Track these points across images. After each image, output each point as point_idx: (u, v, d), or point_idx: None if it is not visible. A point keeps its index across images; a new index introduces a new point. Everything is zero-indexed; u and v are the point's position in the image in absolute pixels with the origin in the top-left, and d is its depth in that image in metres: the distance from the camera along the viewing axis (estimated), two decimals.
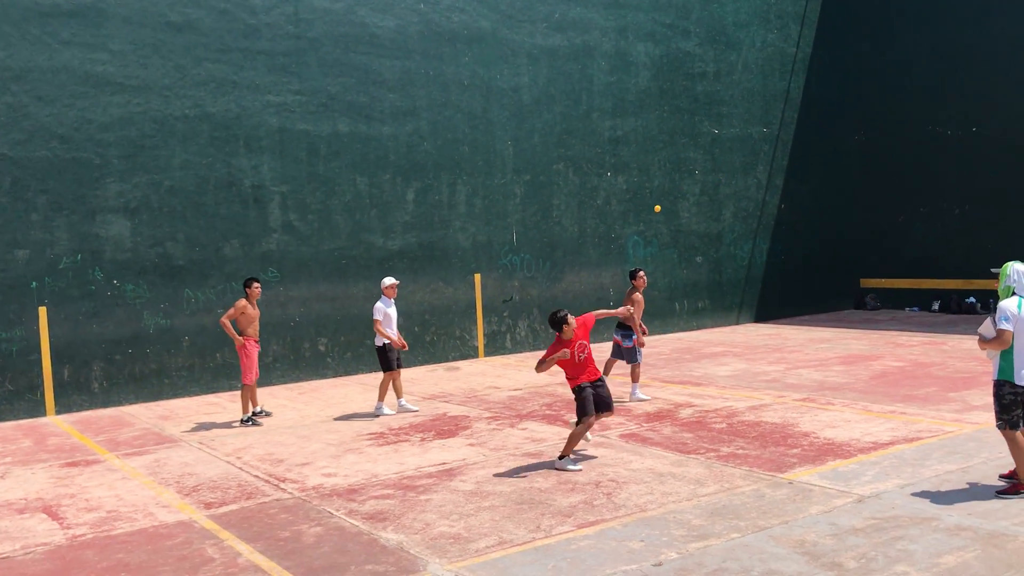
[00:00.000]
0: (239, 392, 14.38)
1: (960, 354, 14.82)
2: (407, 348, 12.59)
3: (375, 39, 15.91)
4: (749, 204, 21.02)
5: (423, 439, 10.41)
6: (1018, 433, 7.23)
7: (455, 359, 16.80)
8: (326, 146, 15.47)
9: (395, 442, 10.32)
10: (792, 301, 21.66)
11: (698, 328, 20.16)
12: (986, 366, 13.51)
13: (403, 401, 12.24)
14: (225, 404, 13.46)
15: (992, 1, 20.08)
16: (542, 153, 17.88)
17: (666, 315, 19.69)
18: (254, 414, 11.96)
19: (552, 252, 18.08)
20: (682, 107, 19.83)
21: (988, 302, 20.36)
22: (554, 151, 18.03)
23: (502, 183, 17.40)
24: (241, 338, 11.65)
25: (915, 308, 21.84)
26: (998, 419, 7.29)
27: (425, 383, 14.51)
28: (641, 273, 12.35)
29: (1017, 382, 7.14)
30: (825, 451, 8.98)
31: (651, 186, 19.40)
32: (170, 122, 14.09)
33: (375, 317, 11.93)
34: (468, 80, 16.94)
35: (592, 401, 8.89)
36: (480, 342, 17.19)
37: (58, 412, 13.23)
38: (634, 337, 12.10)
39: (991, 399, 11.02)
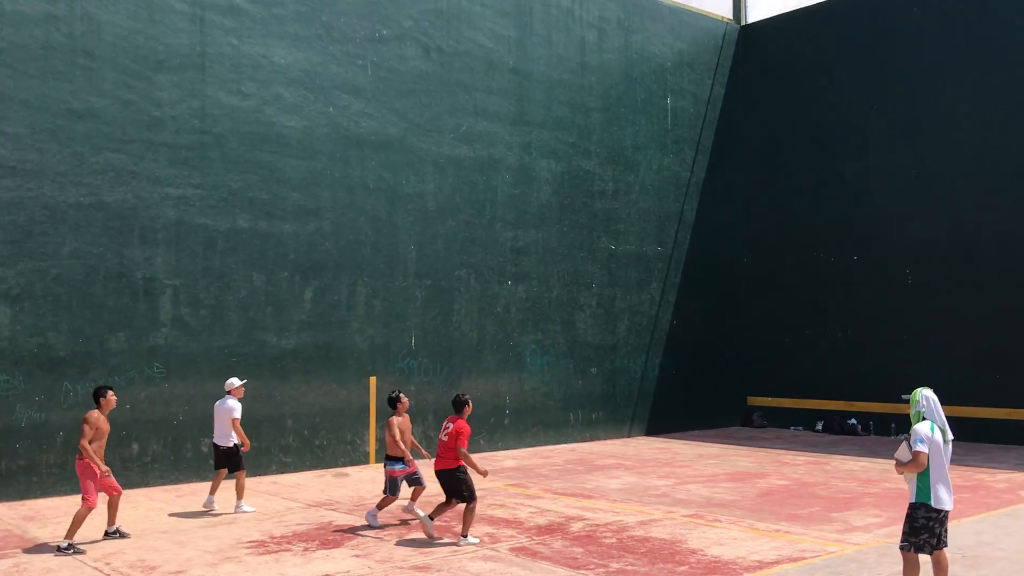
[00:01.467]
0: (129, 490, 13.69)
1: (842, 474, 15.25)
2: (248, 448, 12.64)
3: (282, 138, 15.96)
4: (643, 319, 21.52)
5: (306, 549, 10.04)
6: (917, 556, 7.40)
7: (345, 464, 16.39)
8: (224, 241, 15.26)
9: (276, 551, 9.92)
10: (682, 416, 22.03)
11: (591, 439, 20.24)
12: (866, 487, 13.93)
13: (243, 503, 12.33)
14: (98, 505, 12.72)
15: (870, 138, 21.51)
16: (445, 259, 18.02)
17: (560, 425, 19.74)
18: (107, 534, 10.61)
19: (450, 357, 18.04)
20: (581, 222, 20.38)
21: (868, 424, 21.11)
22: (457, 257, 18.20)
23: (403, 286, 17.40)
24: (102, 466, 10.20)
25: (799, 427, 22.47)
26: (904, 539, 7.45)
27: (312, 489, 14.07)
28: (403, 397, 11.69)
29: (934, 504, 7.34)
30: (712, 569, 9.03)
31: (550, 296, 19.70)
32: (62, 209, 13.70)
33: (235, 416, 12.15)
34: (374, 184, 17.08)
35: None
36: (372, 447, 16.84)
37: None
38: (399, 467, 11.26)
39: (871, 519, 11.36)
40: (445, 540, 10.41)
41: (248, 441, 12.37)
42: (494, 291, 18.80)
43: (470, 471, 10.48)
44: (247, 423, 15.06)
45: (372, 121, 17.11)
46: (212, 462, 13.04)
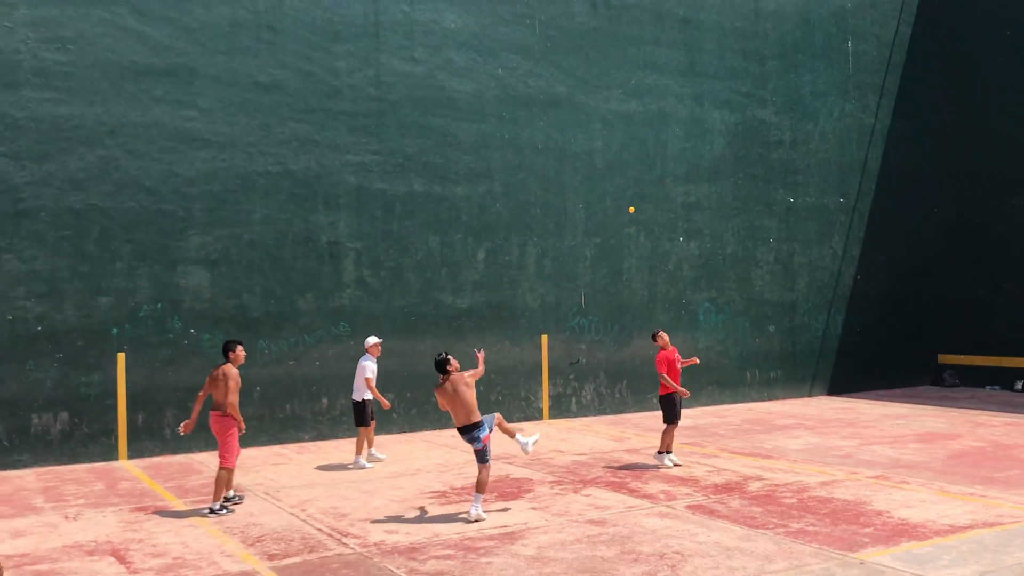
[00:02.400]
0: (305, 444, 14.56)
1: None
2: (388, 407, 13.03)
3: (452, 103, 16.26)
4: (824, 274, 20.68)
5: (485, 500, 10.34)
6: None
7: (519, 420, 16.73)
8: (401, 205, 15.77)
9: (457, 502, 10.27)
10: (867, 375, 21.10)
11: (769, 399, 19.75)
12: None
13: (373, 450, 12.97)
14: (292, 455, 13.59)
15: None
16: (613, 216, 17.93)
17: (737, 384, 19.35)
18: (227, 499, 10.18)
19: (621, 316, 18.00)
20: (757, 175, 19.73)
21: None
22: (626, 215, 18.05)
23: (572, 245, 17.46)
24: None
25: (996, 387, 21.08)
26: None
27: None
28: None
29: None
30: (899, 532, 8.66)
31: (724, 252, 19.25)
32: (253, 178, 14.54)
33: (368, 375, 12.57)
34: (542, 144, 17.15)
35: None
36: (545, 404, 17.10)
37: (130, 457, 13.52)
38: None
39: None
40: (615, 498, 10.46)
41: (384, 400, 12.68)
42: (665, 248, 18.54)
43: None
44: (427, 379, 15.64)
45: (540, 80, 17.14)
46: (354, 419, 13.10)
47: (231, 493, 10.27)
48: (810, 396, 20.36)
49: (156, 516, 9.85)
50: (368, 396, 12.71)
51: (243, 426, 10.13)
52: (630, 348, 18.03)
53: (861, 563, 7.65)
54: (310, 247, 15.00)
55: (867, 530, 8.75)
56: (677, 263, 18.70)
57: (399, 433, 15.57)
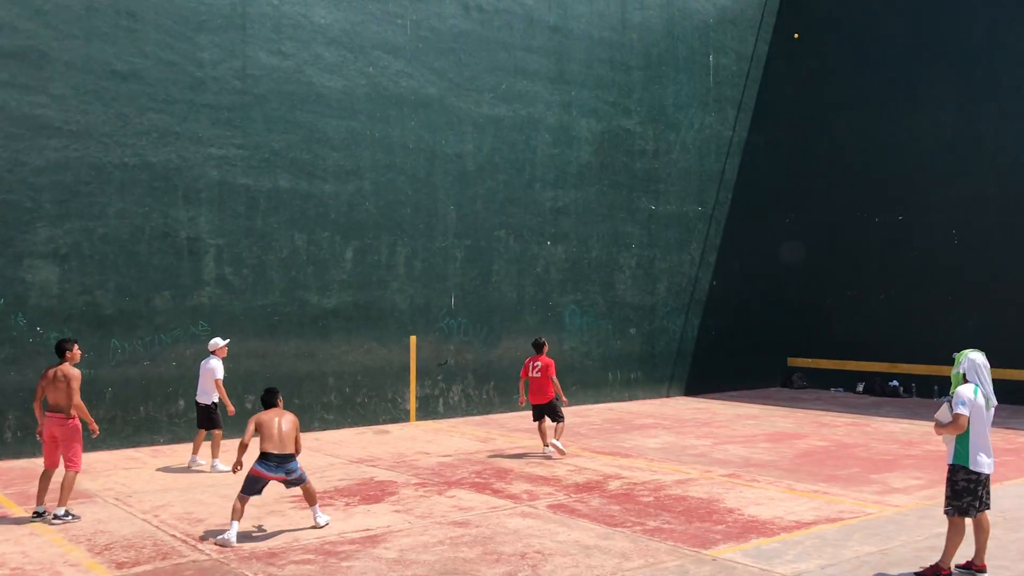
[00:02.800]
0: (160, 448, 14.04)
1: (883, 436, 15.15)
2: (233, 412, 12.67)
3: (321, 99, 16.01)
4: (683, 279, 21.41)
5: (347, 504, 10.23)
6: (963, 520, 7.36)
7: (386, 422, 16.62)
8: (266, 201, 15.41)
9: (319, 505, 10.11)
10: (721, 376, 21.97)
11: (630, 399, 20.29)
12: (907, 449, 13.84)
13: (196, 456, 12.50)
14: (146, 459, 13.07)
15: (918, 95, 21.04)
16: (484, 219, 18.04)
17: (599, 385, 19.80)
18: (37, 514, 9.54)
19: (490, 317, 18.13)
20: (622, 182, 20.25)
21: (910, 386, 20.91)
22: (496, 218, 18.20)
23: (443, 246, 17.47)
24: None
25: (840, 389, 22.32)
26: (947, 504, 7.41)
27: (353, 446, 14.31)
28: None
29: (971, 467, 7.30)
30: (749, 528, 9.06)
31: (589, 257, 19.66)
32: (108, 169, 13.91)
33: (217, 376, 12.27)
34: (413, 144, 17.10)
35: None
36: (412, 406, 17.04)
37: None
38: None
39: (911, 482, 11.30)
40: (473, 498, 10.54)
41: (231, 404, 12.40)
42: (533, 251, 18.80)
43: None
44: (290, 380, 15.34)
45: (411, 80, 17.08)
46: (195, 419, 12.92)
47: (41, 508, 9.54)
48: (668, 396, 21.03)
49: None
50: (216, 399, 12.39)
51: (96, 427, 9.75)
52: (498, 349, 18.18)
53: (713, 560, 7.96)
54: (168, 243, 14.46)
55: (719, 527, 9.11)
56: (545, 266, 18.98)
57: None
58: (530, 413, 13.87)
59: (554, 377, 13.23)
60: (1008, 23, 19.56)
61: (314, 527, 9.12)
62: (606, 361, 19.98)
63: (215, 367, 12.36)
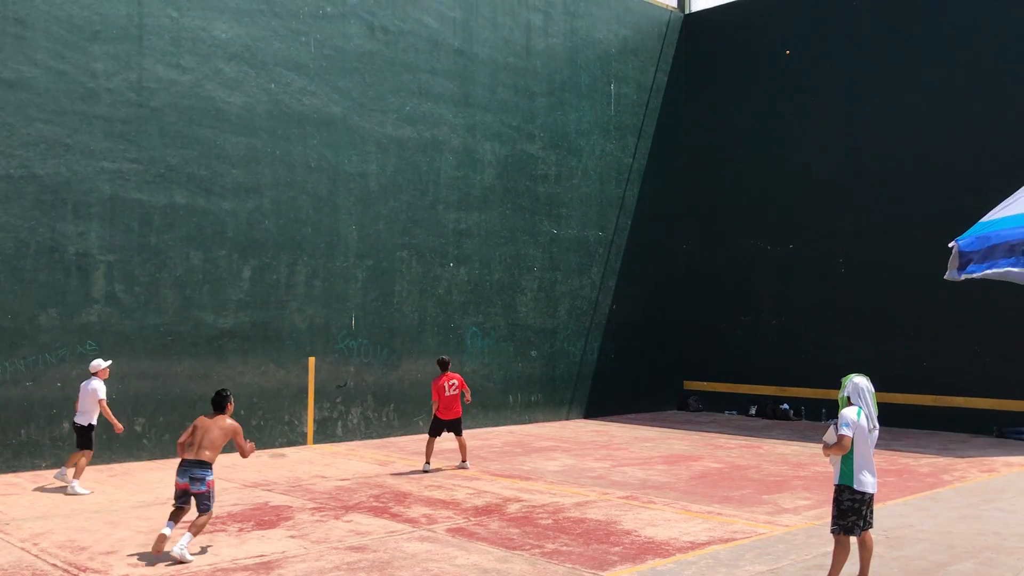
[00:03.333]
0: (42, 472, 13.43)
1: (774, 458, 15.60)
2: (121, 431, 12.60)
3: (221, 114, 15.69)
4: (583, 303, 21.69)
5: (241, 529, 9.97)
6: (848, 539, 7.62)
7: (282, 445, 16.27)
8: (160, 217, 14.98)
9: (210, 532, 9.83)
10: (620, 399, 22.30)
11: (530, 421, 20.38)
12: (797, 470, 14.28)
13: (76, 483, 12.02)
14: (25, 484, 12.47)
15: (808, 129, 21.91)
16: (387, 239, 17.93)
17: (500, 407, 19.84)
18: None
19: (391, 339, 17.98)
20: (524, 205, 20.44)
21: (800, 409, 21.61)
22: (399, 238, 18.12)
23: (344, 266, 17.28)
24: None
25: (733, 411, 22.90)
26: (834, 523, 7.67)
27: (248, 470, 13.96)
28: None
29: (856, 487, 7.57)
30: (645, 550, 9.19)
31: (492, 279, 19.74)
32: None
33: (100, 396, 12.08)
34: (315, 162, 16.90)
35: None
36: (310, 428, 16.74)
37: None
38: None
39: (800, 502, 11.66)
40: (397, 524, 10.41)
41: (117, 423, 12.27)
42: (436, 273, 18.77)
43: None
44: (183, 402, 14.89)
45: (314, 99, 16.91)
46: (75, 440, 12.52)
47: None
48: (568, 419, 21.21)
49: None
50: (95, 420, 12.14)
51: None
52: (399, 371, 18.04)
53: None
54: (55, 258, 13.90)
55: (616, 549, 9.22)
56: (447, 288, 18.96)
57: (149, 460, 14.69)
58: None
59: (467, 390, 14.23)
60: (887, 55, 20.57)
61: (179, 560, 8.52)
62: (507, 384, 20.04)
63: (97, 387, 12.10)
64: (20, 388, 13.45)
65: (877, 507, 8.90)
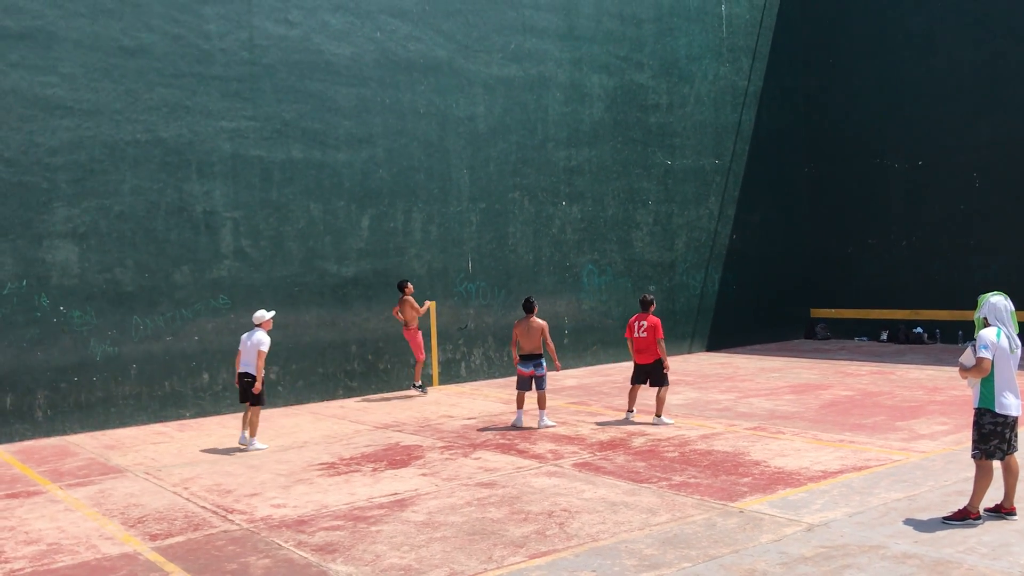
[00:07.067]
0: (186, 422, 14.19)
1: (908, 383, 15.07)
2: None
3: (331, 66, 15.90)
4: (701, 234, 21.27)
5: (375, 469, 10.31)
6: (991, 463, 7.33)
7: (409, 387, 16.69)
8: (280, 172, 15.38)
9: (346, 472, 10.20)
10: (744, 330, 21.89)
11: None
12: (932, 395, 13.77)
13: (256, 441, 11.80)
14: (173, 433, 13.21)
15: (935, 37, 20.67)
16: (498, 181, 17.95)
17: (620, 343, 19.76)
18: None
19: (508, 280, 18.10)
20: (635, 138, 20.06)
21: (935, 332, 20.76)
22: (510, 180, 18.11)
23: (458, 211, 17.41)
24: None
25: (864, 338, 22.20)
26: (974, 448, 7.39)
27: (378, 412, 14.39)
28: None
29: (997, 410, 7.26)
30: (775, 480, 9.05)
31: (605, 215, 19.55)
32: (121, 147, 13.91)
33: (262, 349, 11.59)
34: (424, 108, 16.98)
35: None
36: (435, 370, 17.09)
37: (0, 442, 12.89)
38: (545, 364, 12.64)
39: (937, 428, 11.25)
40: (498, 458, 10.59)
41: (262, 380, 11.65)
42: (549, 212, 18.71)
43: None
44: (313, 350, 15.42)
45: (420, 44, 16.93)
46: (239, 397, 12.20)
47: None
48: (690, 352, 20.98)
49: (28, 502, 9.44)
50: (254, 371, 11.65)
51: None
52: (518, 311, 18.15)
53: (740, 512, 7.97)
54: (184, 217, 14.49)
55: (745, 480, 9.11)
56: (560, 227, 18.89)
57: (284, 406, 15.32)
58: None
59: (661, 339, 12.42)
60: None
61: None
62: (626, 319, 19.88)
63: (260, 339, 11.68)
64: (161, 343, 14.18)
65: (1022, 429, 8.48)
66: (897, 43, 21.39)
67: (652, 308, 12.80)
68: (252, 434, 11.75)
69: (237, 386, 12.05)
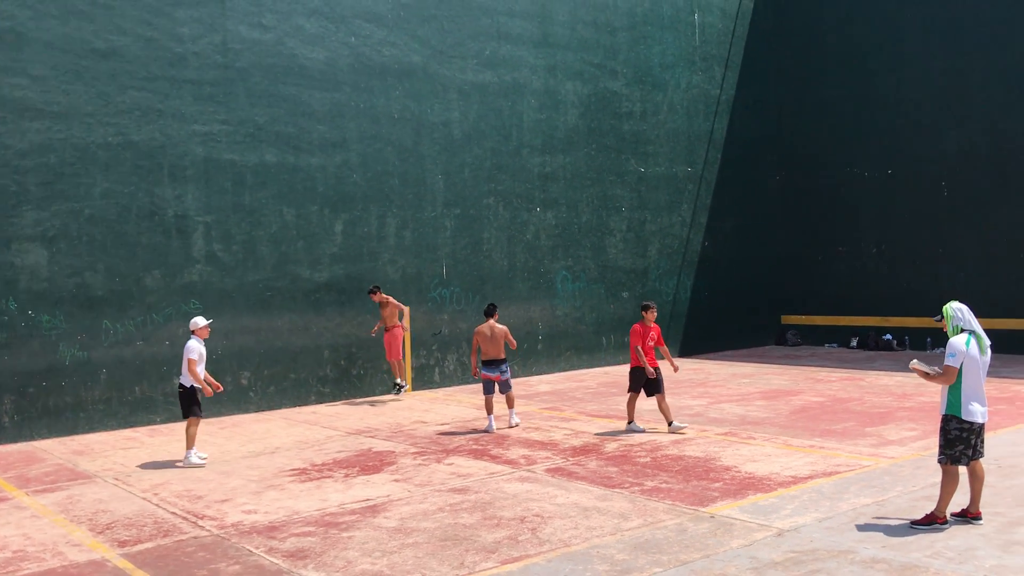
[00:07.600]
0: (157, 427, 14.06)
1: (876, 390, 15.23)
2: (221, 389, 11.68)
3: (304, 71, 15.85)
4: (674, 241, 21.40)
5: (347, 475, 10.27)
6: (957, 469, 7.42)
7: (382, 393, 16.64)
8: (253, 176, 15.30)
9: (318, 478, 10.16)
10: (716, 336, 22.03)
11: (624, 362, 20.27)
12: (901, 401, 13.92)
13: (192, 452, 11.17)
14: (143, 439, 13.09)
15: (905, 49, 20.94)
16: (472, 187, 17.97)
17: (594, 349, 19.85)
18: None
19: (482, 286, 18.11)
20: (609, 145, 20.16)
21: (904, 339, 21.01)
22: (484, 186, 18.13)
23: (432, 216, 17.41)
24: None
25: (834, 344, 22.41)
26: (941, 453, 7.47)
27: (350, 418, 14.34)
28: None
29: (964, 417, 7.34)
30: (746, 485, 9.12)
31: (579, 222, 19.62)
32: (92, 150, 13.78)
33: (191, 356, 11.01)
34: (399, 113, 16.97)
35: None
36: (408, 376, 17.06)
37: None
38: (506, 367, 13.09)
39: (906, 433, 11.38)
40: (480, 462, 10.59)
41: (206, 386, 11.11)
42: (523, 218, 18.75)
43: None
44: (285, 355, 15.34)
45: (394, 49, 16.92)
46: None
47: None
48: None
49: None
50: (193, 382, 11.03)
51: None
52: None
53: (711, 517, 8.02)
54: (156, 221, 14.37)
55: (716, 485, 9.17)
56: (535, 233, 18.94)
57: (256, 412, 15.21)
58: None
59: (638, 346, 12.27)
60: None
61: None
62: (599, 326, 20.00)
63: (188, 347, 11.07)
64: (132, 347, 14.06)
65: (988, 435, 8.61)
66: (867, 54, 21.65)
67: (654, 316, 12.71)
68: (188, 446, 11.11)
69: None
